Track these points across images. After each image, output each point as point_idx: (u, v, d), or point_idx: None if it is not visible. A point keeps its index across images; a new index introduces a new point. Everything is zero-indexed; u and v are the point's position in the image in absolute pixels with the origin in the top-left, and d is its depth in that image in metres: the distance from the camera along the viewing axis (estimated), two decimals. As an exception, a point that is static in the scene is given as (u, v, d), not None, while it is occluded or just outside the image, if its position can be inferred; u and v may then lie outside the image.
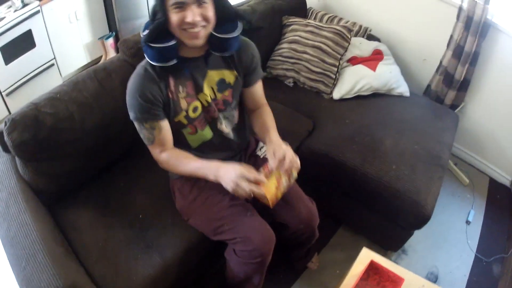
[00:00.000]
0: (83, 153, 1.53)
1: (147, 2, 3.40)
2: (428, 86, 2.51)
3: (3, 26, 2.75)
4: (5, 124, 1.37)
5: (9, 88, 2.89)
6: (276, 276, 1.88)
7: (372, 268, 1.36)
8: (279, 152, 1.27)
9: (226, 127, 1.45)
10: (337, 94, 2.17)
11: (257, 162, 1.54)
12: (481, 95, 2.40)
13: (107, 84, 1.54)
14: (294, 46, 2.22)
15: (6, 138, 1.38)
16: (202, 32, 1.21)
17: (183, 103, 1.33)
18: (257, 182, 1.21)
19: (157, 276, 1.37)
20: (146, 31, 1.21)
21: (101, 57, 3.47)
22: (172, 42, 1.21)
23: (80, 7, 3.15)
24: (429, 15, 2.37)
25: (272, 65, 2.30)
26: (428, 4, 2.34)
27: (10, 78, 2.88)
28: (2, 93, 2.86)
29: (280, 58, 2.25)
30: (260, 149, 1.61)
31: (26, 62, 2.94)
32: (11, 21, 2.80)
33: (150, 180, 1.64)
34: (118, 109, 1.50)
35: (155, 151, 1.36)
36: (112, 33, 3.38)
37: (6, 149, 1.48)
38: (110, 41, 3.34)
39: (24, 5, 2.90)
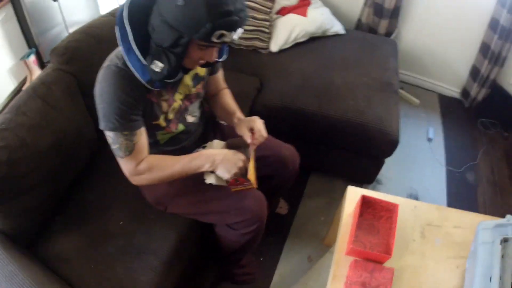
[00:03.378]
0: (45, 179, 1.36)
1: (60, 9, 3.13)
2: (359, 20, 2.51)
3: None
4: None
5: None
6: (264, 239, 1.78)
7: (364, 202, 1.32)
8: (259, 125, 1.27)
9: (193, 117, 1.37)
10: (274, 46, 2.11)
11: (224, 131, 1.49)
12: (413, 18, 2.45)
13: (50, 99, 1.40)
14: (219, 9, 2.11)
15: None
16: None
17: (164, 106, 1.21)
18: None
19: (161, 276, 1.30)
20: (160, 64, 1.02)
21: (25, 78, 3.17)
22: (181, 76, 1.17)
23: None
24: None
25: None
26: None
27: None
28: None
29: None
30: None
31: None
32: None
33: (118, 186, 1.48)
34: (68, 121, 1.43)
35: (131, 164, 1.17)
36: (32, 49, 3.11)
37: None
38: (32, 58, 3.07)
39: None
